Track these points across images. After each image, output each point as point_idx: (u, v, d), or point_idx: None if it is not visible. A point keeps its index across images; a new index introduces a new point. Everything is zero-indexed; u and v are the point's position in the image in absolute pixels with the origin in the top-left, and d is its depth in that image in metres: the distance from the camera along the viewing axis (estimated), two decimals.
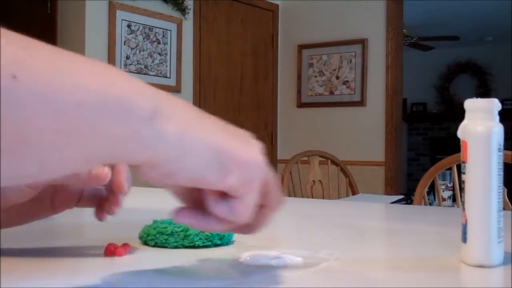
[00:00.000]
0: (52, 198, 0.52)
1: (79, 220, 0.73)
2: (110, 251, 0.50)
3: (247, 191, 0.39)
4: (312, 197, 2.76)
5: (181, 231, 0.54)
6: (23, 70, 0.28)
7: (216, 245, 0.55)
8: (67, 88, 0.30)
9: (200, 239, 0.54)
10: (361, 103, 4.46)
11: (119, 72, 0.34)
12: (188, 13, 4.13)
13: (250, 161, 0.38)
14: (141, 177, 0.37)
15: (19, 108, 0.28)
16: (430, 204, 2.57)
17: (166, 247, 0.54)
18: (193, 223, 0.41)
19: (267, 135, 4.67)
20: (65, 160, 0.32)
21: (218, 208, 0.39)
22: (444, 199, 2.31)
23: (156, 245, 0.54)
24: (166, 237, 0.54)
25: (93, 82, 0.31)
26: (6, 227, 0.52)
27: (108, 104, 0.32)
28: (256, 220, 0.42)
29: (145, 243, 0.55)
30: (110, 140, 0.33)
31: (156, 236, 0.54)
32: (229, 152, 0.38)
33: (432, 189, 2.45)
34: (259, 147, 0.40)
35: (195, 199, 0.41)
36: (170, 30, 4.03)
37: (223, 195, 0.39)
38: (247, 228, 0.42)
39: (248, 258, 0.49)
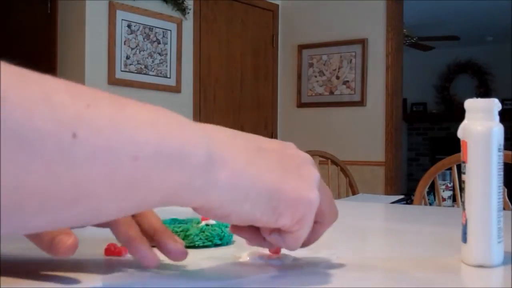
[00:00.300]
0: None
1: None
2: (110, 251, 0.50)
3: (299, 228, 0.40)
4: None
5: (181, 231, 0.54)
6: (83, 128, 0.29)
7: (216, 245, 0.55)
8: (125, 143, 0.31)
9: (200, 239, 0.54)
10: (361, 103, 4.46)
11: (175, 118, 0.35)
12: (188, 13, 4.13)
13: (301, 200, 0.39)
14: (199, 214, 0.38)
15: (76, 165, 0.29)
16: (430, 204, 2.57)
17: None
18: (250, 238, 0.43)
19: (267, 135, 4.67)
20: (118, 208, 0.33)
21: (271, 238, 0.42)
22: (444, 199, 2.31)
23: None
24: None
25: (150, 134, 0.32)
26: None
27: (163, 156, 0.32)
28: (310, 235, 0.44)
29: None
30: (163, 190, 0.33)
31: None
32: (280, 194, 0.39)
33: (432, 189, 2.45)
34: (312, 178, 0.41)
35: (246, 229, 0.43)
36: (170, 30, 4.02)
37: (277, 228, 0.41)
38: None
39: (248, 258, 0.49)
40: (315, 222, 0.43)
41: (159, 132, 0.33)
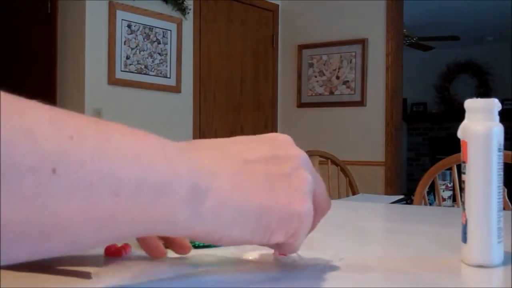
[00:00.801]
0: None
1: None
2: (110, 251, 0.50)
3: (294, 240, 0.41)
4: None
5: None
6: (63, 162, 0.28)
7: (216, 246, 0.55)
8: (106, 178, 0.30)
9: None
10: (361, 103, 4.46)
11: (160, 148, 0.34)
12: (188, 13, 4.13)
13: (293, 215, 0.39)
14: None
15: (54, 199, 0.28)
16: (430, 204, 2.57)
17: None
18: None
19: None
20: (97, 239, 0.32)
21: (270, 246, 0.42)
22: (444, 199, 2.31)
23: None
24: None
25: (132, 169, 0.31)
26: None
27: (145, 190, 0.32)
28: None
29: None
30: (145, 221, 0.33)
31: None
32: (270, 213, 0.38)
33: (432, 189, 2.45)
34: (303, 185, 0.40)
35: None
36: (170, 30, 4.02)
37: None
38: None
39: (249, 258, 0.49)
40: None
41: (142, 166, 0.32)
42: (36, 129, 0.28)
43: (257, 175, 0.39)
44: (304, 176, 0.40)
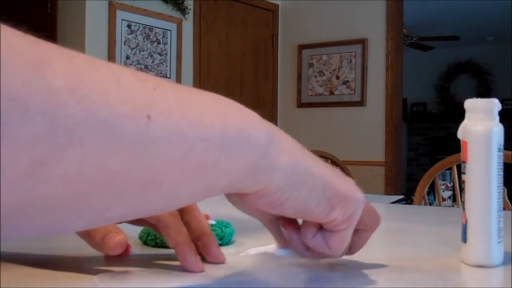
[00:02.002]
0: None
1: None
2: None
3: (347, 226, 0.41)
4: None
5: None
6: (155, 109, 0.29)
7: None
8: (193, 124, 0.31)
9: None
10: (361, 103, 4.46)
11: (236, 104, 0.36)
12: (188, 13, 4.13)
13: (352, 196, 0.40)
14: (247, 205, 0.39)
15: (153, 146, 0.29)
16: (430, 204, 2.57)
17: (166, 247, 0.54)
18: (294, 241, 0.43)
19: None
20: (190, 193, 0.33)
21: (314, 241, 0.42)
22: (444, 199, 2.31)
23: (156, 245, 0.54)
24: None
25: (215, 116, 0.32)
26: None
27: (229, 136, 0.33)
28: (355, 243, 0.45)
29: (145, 243, 0.55)
30: (230, 172, 0.34)
31: (156, 236, 0.54)
32: (334, 186, 0.39)
33: (432, 189, 2.45)
34: (354, 184, 0.42)
35: (295, 226, 0.43)
36: (170, 30, 4.02)
37: (320, 228, 0.41)
38: (344, 252, 0.44)
39: (249, 258, 0.49)
40: (360, 230, 0.44)
41: (223, 114, 0.33)
42: (123, 80, 0.28)
43: (316, 158, 0.40)
44: (351, 179, 0.43)
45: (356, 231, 0.43)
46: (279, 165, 0.36)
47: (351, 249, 0.45)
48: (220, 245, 0.55)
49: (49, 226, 0.28)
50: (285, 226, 0.43)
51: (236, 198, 0.40)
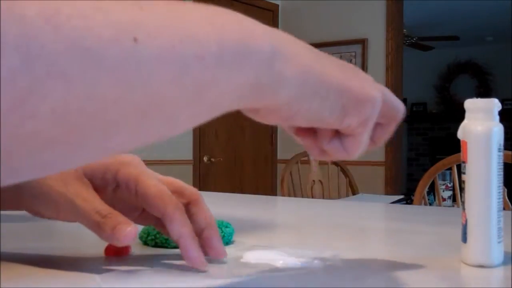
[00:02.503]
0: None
1: None
2: (110, 251, 0.50)
3: (363, 130, 0.39)
4: (312, 197, 2.76)
5: None
6: (142, 30, 0.27)
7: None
8: (186, 41, 0.29)
9: None
10: None
11: (232, 14, 0.33)
12: None
13: (367, 99, 0.38)
14: (258, 119, 0.37)
15: (143, 68, 0.27)
16: (430, 204, 2.57)
17: (166, 247, 0.54)
18: (310, 145, 0.41)
19: (267, 135, 4.67)
20: (192, 114, 0.32)
21: (330, 145, 0.40)
22: (444, 199, 2.31)
23: (156, 245, 0.54)
24: (166, 237, 0.54)
25: (210, 32, 0.30)
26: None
27: (227, 51, 0.31)
28: (379, 137, 0.43)
29: (145, 243, 0.55)
30: (232, 89, 0.32)
31: (156, 236, 0.54)
32: (348, 91, 0.37)
33: (432, 189, 2.45)
34: (370, 78, 0.40)
35: (309, 132, 0.41)
36: None
37: (336, 132, 0.40)
38: (370, 145, 0.43)
39: (249, 258, 0.49)
40: (382, 124, 0.42)
41: (218, 28, 0.31)
42: (104, 4, 0.27)
43: (330, 59, 0.38)
44: (368, 76, 0.40)
45: (379, 125, 0.42)
46: (287, 77, 0.34)
47: (375, 143, 0.43)
48: None
49: (49, 163, 0.27)
50: (297, 133, 0.41)
51: (249, 111, 0.37)
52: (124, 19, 0.27)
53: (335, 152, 0.40)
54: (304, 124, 0.38)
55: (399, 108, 0.42)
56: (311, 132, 0.41)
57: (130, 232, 0.44)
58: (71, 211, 0.47)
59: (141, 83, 0.27)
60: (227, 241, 0.56)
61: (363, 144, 0.40)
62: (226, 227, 0.56)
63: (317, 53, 0.38)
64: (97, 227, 0.45)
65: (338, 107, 0.37)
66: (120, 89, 0.27)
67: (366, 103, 0.38)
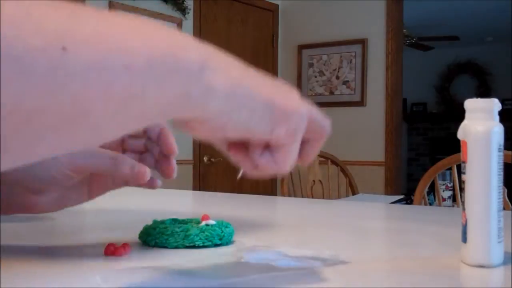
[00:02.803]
0: (90, 184, 0.55)
1: (79, 220, 0.73)
2: (110, 251, 0.50)
3: (292, 141, 0.40)
4: (312, 197, 2.76)
5: (181, 231, 0.54)
6: (71, 40, 0.27)
7: (216, 245, 0.55)
8: (115, 52, 0.29)
9: (200, 239, 0.54)
10: (361, 103, 4.46)
11: (163, 27, 0.34)
12: (188, 13, 4.14)
13: (295, 111, 0.40)
14: (189, 132, 0.37)
15: (71, 78, 0.27)
16: (430, 204, 2.57)
17: (166, 247, 0.54)
18: (243, 160, 0.42)
19: None
20: (119, 124, 0.32)
21: (262, 160, 0.41)
22: (444, 199, 2.31)
23: (156, 245, 0.54)
24: (166, 237, 0.54)
25: (139, 43, 0.31)
26: (43, 212, 0.54)
27: (156, 63, 0.31)
28: (306, 153, 0.44)
29: (145, 243, 0.55)
30: (161, 100, 0.32)
31: (156, 236, 0.54)
32: (276, 103, 0.38)
33: (432, 189, 2.45)
34: (297, 94, 0.41)
35: (240, 148, 0.42)
36: None
37: (266, 146, 0.41)
38: (298, 162, 0.44)
39: (249, 258, 0.49)
40: (310, 140, 0.43)
41: (148, 39, 0.32)
42: (36, 11, 0.27)
43: (260, 75, 0.40)
44: (296, 91, 0.42)
45: (306, 141, 0.43)
46: (216, 88, 0.35)
47: (303, 160, 0.44)
48: (220, 245, 0.55)
49: None
50: (229, 148, 0.42)
51: (179, 124, 0.38)
52: (55, 27, 0.27)
53: (267, 165, 0.41)
54: (234, 135, 0.39)
55: (325, 126, 0.44)
56: (242, 147, 0.42)
57: (146, 171, 0.50)
58: (85, 155, 0.51)
59: (68, 94, 0.28)
60: (227, 241, 0.56)
61: (293, 156, 0.42)
62: (226, 227, 0.56)
63: (246, 69, 0.39)
64: (114, 166, 0.50)
65: (266, 119, 0.38)
66: (47, 99, 0.27)
67: (293, 114, 0.39)
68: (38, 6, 0.27)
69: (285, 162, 0.41)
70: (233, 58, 0.38)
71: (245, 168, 0.43)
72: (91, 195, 0.56)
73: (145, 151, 0.58)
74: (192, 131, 0.37)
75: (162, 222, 0.58)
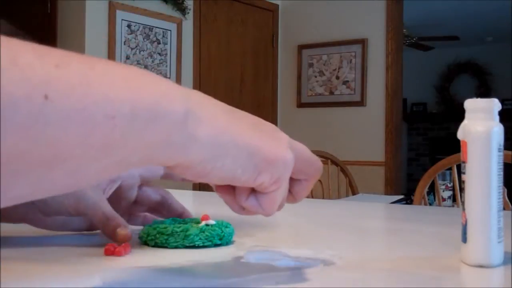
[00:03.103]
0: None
1: None
2: (110, 251, 0.50)
3: (276, 187, 0.41)
4: (312, 197, 2.76)
5: (181, 231, 0.54)
6: (54, 89, 0.28)
7: (216, 245, 0.55)
8: (98, 101, 0.30)
9: (200, 239, 0.54)
10: (361, 103, 4.46)
11: (151, 76, 0.34)
12: (188, 13, 4.13)
13: (279, 159, 0.40)
14: (175, 175, 0.38)
15: (51, 126, 0.28)
16: (430, 204, 2.57)
17: (166, 247, 0.54)
18: (230, 202, 0.43)
19: None
20: (98, 169, 0.32)
21: (248, 203, 0.42)
22: (444, 199, 2.31)
23: (156, 245, 0.54)
24: (166, 237, 0.54)
25: (124, 92, 0.31)
26: (48, 229, 0.59)
27: (140, 113, 0.32)
28: (298, 193, 0.45)
29: (145, 243, 0.55)
30: (142, 147, 0.33)
31: (156, 236, 0.54)
32: (260, 152, 0.39)
33: (432, 189, 2.45)
34: (285, 140, 0.42)
35: (228, 189, 0.43)
36: (170, 30, 4.02)
37: (253, 190, 0.42)
38: (290, 200, 0.45)
39: (249, 258, 0.49)
40: (301, 180, 0.44)
41: (133, 89, 0.32)
42: (21, 59, 0.27)
43: (245, 120, 0.40)
44: (283, 134, 0.42)
45: (298, 181, 0.44)
46: (199, 137, 0.35)
47: (295, 199, 0.45)
48: (220, 245, 0.55)
49: None
50: (217, 190, 0.43)
51: (166, 167, 0.39)
52: (39, 76, 0.28)
53: (252, 208, 0.42)
54: (218, 182, 0.40)
55: (317, 165, 0.44)
56: (230, 189, 0.43)
57: (125, 235, 0.53)
58: (79, 205, 0.55)
59: (47, 141, 0.28)
60: (227, 241, 0.56)
61: (278, 201, 0.42)
62: (226, 227, 0.56)
63: (234, 115, 0.40)
64: (102, 224, 0.55)
65: (250, 167, 0.39)
66: (25, 144, 0.27)
67: (276, 162, 0.40)
68: (25, 54, 0.28)
69: (270, 207, 0.42)
70: (218, 103, 0.39)
71: (233, 208, 0.44)
72: (92, 227, 0.60)
73: (157, 206, 0.64)
74: (178, 175, 0.39)
75: (162, 222, 0.58)
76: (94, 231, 0.60)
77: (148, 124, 0.32)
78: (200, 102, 0.37)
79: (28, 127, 0.27)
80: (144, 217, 0.65)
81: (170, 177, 0.61)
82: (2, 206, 0.29)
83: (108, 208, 0.55)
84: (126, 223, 0.55)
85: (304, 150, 0.44)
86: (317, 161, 0.45)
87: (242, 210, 0.43)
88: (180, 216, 0.64)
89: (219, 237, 0.55)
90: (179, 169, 0.37)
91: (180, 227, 0.55)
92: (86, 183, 0.34)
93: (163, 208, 0.65)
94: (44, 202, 0.55)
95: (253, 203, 0.42)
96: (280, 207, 0.44)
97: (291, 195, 0.45)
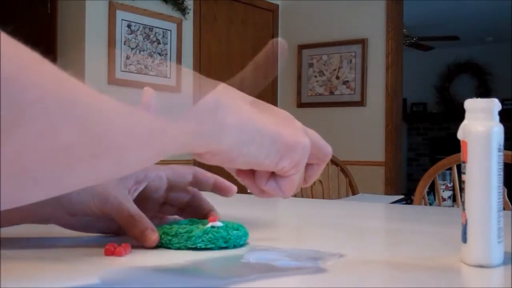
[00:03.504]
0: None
1: None
2: (110, 251, 0.50)
3: (295, 171, 0.44)
4: (312, 197, 2.76)
5: (184, 232, 0.53)
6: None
7: (221, 248, 0.53)
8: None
9: (203, 241, 0.52)
10: (361, 103, 4.46)
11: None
12: (188, 13, 4.13)
13: (298, 145, 0.43)
14: (202, 161, 0.41)
15: (104, 119, 0.31)
16: (430, 204, 2.57)
17: (166, 247, 0.54)
18: (250, 185, 0.46)
19: None
20: (140, 159, 0.35)
21: (268, 187, 0.45)
22: (444, 199, 2.31)
23: (161, 246, 0.54)
24: (170, 238, 0.53)
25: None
26: (72, 229, 0.59)
27: (175, 106, 0.36)
28: (310, 176, 0.48)
29: None
30: (179, 137, 0.37)
31: (161, 237, 0.54)
32: (281, 138, 0.43)
33: (432, 189, 2.45)
34: (300, 126, 0.45)
35: (248, 174, 0.46)
36: (170, 30, 4.02)
37: (272, 174, 0.45)
38: (302, 184, 0.48)
39: (249, 258, 0.49)
40: (313, 164, 0.47)
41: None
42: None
43: (265, 110, 0.44)
44: (297, 121, 0.46)
45: (310, 165, 0.47)
46: (228, 125, 0.39)
47: (306, 182, 0.48)
48: (226, 248, 0.54)
49: (2, 198, 0.29)
50: (238, 174, 0.46)
51: (194, 155, 0.42)
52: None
53: (272, 191, 0.46)
54: (244, 166, 0.43)
55: (327, 150, 0.48)
56: (250, 173, 0.46)
57: (155, 239, 0.53)
58: (104, 206, 0.55)
59: (99, 131, 0.30)
60: (234, 244, 0.53)
61: (296, 184, 0.46)
62: (237, 229, 0.55)
63: (255, 104, 0.44)
64: (128, 225, 0.54)
65: (273, 152, 0.42)
66: (79, 136, 0.29)
67: (297, 147, 0.43)
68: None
69: (289, 189, 0.46)
70: (243, 94, 0.43)
71: (253, 191, 0.47)
72: (118, 231, 0.60)
73: (186, 207, 0.64)
74: (206, 162, 0.41)
75: (178, 222, 0.58)
76: (119, 235, 0.59)
77: (184, 115, 0.36)
78: (227, 93, 0.41)
79: (83, 119, 0.29)
80: (161, 218, 0.65)
81: (199, 184, 0.64)
82: (57, 194, 0.31)
83: (134, 209, 0.55)
84: (152, 224, 0.54)
85: (316, 135, 0.47)
86: (327, 146, 0.48)
87: (262, 193, 0.46)
88: (205, 217, 0.61)
89: (224, 239, 0.53)
90: (208, 155, 0.40)
91: (185, 228, 0.54)
92: (129, 171, 0.37)
93: (192, 208, 0.64)
94: (70, 202, 0.55)
95: (273, 186, 0.45)
96: (297, 189, 0.47)
97: (303, 179, 0.48)
